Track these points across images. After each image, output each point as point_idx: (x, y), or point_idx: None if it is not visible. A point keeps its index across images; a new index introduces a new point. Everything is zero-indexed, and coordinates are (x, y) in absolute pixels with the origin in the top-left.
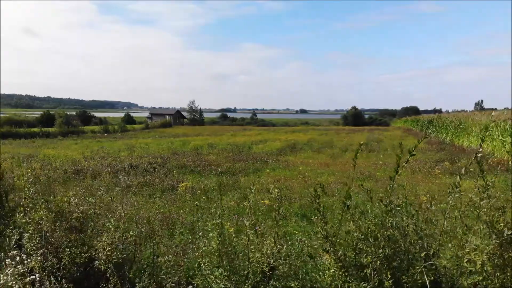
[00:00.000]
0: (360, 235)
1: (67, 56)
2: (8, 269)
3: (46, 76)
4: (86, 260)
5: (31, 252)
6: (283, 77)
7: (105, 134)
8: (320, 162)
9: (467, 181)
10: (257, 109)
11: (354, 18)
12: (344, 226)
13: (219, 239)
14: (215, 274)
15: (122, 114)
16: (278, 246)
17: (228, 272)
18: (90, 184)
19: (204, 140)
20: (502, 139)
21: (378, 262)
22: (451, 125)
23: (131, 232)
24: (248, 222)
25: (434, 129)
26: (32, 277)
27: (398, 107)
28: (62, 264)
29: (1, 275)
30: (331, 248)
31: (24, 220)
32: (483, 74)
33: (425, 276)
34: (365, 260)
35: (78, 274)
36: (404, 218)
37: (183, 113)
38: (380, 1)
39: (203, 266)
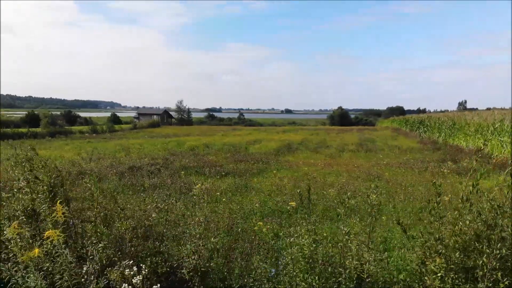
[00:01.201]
0: (470, 236)
1: (48, 55)
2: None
3: (27, 75)
4: (168, 269)
5: (105, 262)
6: (268, 77)
7: (94, 135)
8: (322, 162)
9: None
10: (242, 109)
11: (339, 19)
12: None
13: (313, 245)
14: (307, 280)
15: (106, 114)
16: (372, 252)
17: (322, 279)
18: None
19: (197, 140)
20: (500, 138)
21: (494, 263)
22: (444, 125)
23: (212, 239)
24: (346, 228)
25: (425, 129)
26: None
27: (383, 107)
28: (143, 274)
29: None
30: (443, 251)
31: (99, 230)
32: (466, 75)
33: None
34: (478, 261)
35: (159, 284)
36: None
37: (170, 113)
38: (366, 1)
39: (295, 273)
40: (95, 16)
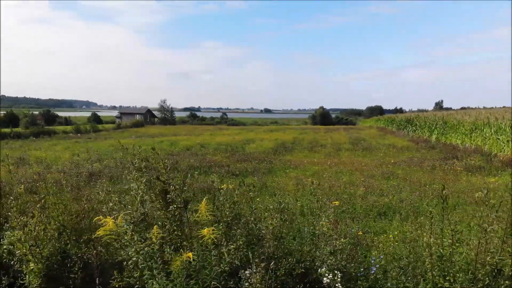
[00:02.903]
0: None
1: (19, 53)
2: None
3: None
4: (303, 270)
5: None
6: (246, 77)
7: (78, 135)
8: (324, 161)
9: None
10: (221, 108)
11: (315, 18)
12: None
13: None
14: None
15: (83, 114)
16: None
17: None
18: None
19: (190, 140)
20: (497, 137)
21: None
22: (435, 124)
23: (342, 240)
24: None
25: (414, 128)
26: None
27: (360, 107)
28: (277, 275)
29: None
30: None
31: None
32: (439, 75)
33: None
34: None
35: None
36: None
37: (153, 112)
38: (341, 1)
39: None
40: (67, 13)
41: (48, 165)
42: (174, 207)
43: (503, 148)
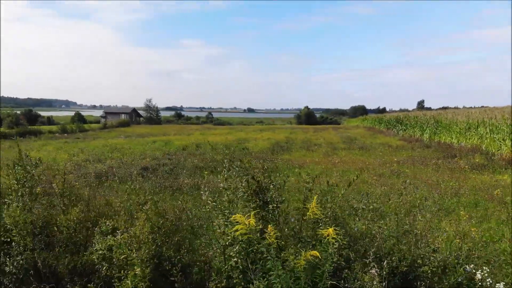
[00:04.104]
0: None
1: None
2: None
3: None
4: (406, 268)
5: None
6: (228, 76)
7: (65, 134)
8: (328, 160)
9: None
10: (204, 108)
11: (297, 18)
12: None
13: None
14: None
15: (64, 113)
16: None
17: None
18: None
19: (183, 139)
20: (494, 136)
21: None
22: (427, 123)
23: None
24: None
25: (404, 127)
26: None
27: (342, 106)
28: (383, 273)
29: None
30: None
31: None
32: (419, 75)
33: None
34: None
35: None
36: None
37: (138, 111)
38: (322, 1)
39: None
40: (45, 10)
41: (49, 166)
42: (274, 206)
43: (500, 147)
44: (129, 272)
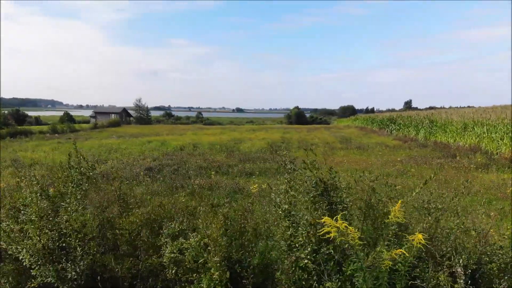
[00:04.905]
0: None
1: None
2: None
3: None
4: (474, 266)
5: None
6: (216, 76)
7: (56, 135)
8: (329, 160)
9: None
10: (192, 108)
11: (287, 18)
12: None
13: None
14: None
15: (51, 113)
16: None
17: None
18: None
19: (176, 140)
20: (492, 136)
21: None
22: (421, 123)
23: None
24: None
25: (397, 127)
26: None
27: (330, 106)
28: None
29: None
30: None
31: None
32: (406, 75)
33: None
34: None
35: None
36: None
37: (129, 111)
38: (311, 1)
39: None
40: (30, 8)
41: (49, 167)
42: (344, 207)
43: (499, 146)
44: (202, 276)
